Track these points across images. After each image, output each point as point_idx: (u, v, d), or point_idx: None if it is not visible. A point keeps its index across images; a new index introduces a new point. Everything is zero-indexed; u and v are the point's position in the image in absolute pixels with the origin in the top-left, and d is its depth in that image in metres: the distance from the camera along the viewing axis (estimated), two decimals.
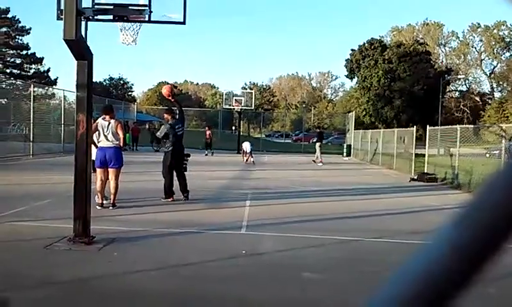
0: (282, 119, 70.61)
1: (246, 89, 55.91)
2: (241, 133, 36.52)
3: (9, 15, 50.04)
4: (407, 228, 8.05)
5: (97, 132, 8.55)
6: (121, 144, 8.83)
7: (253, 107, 35.85)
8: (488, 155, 19.45)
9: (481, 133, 21.84)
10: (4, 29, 49.70)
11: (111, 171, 8.68)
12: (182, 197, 9.90)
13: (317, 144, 24.22)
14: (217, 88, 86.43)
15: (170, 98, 10.34)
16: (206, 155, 26.53)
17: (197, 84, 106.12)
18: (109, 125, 8.66)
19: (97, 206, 8.34)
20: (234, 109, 33.45)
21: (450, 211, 10.19)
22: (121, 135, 8.76)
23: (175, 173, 9.96)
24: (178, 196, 9.92)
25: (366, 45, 57.75)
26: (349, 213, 9.17)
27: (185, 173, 10.17)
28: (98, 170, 8.58)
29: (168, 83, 76.81)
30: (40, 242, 6.01)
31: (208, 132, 28.07)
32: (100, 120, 8.73)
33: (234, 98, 32.93)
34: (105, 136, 8.61)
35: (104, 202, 8.72)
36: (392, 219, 8.99)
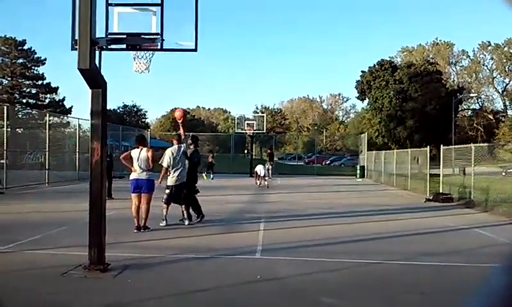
0: (294, 142, 70.61)
1: (258, 112, 56.22)
2: (253, 156, 36.55)
3: (25, 47, 51.28)
4: (424, 250, 7.94)
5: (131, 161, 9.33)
6: (151, 167, 9.38)
7: (265, 130, 35.95)
8: (504, 173, 19.20)
9: (496, 151, 21.61)
10: (20, 61, 50.89)
11: (143, 196, 9.15)
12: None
13: (268, 163, 25.53)
14: (229, 113, 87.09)
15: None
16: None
17: (209, 109, 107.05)
18: (140, 152, 9.24)
19: (134, 230, 8.93)
20: (246, 132, 33.55)
21: (467, 231, 10.04)
22: (151, 162, 9.29)
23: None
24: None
25: (376, 66, 57.91)
26: (365, 236, 9.07)
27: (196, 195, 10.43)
28: (132, 195, 9.24)
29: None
30: (57, 269, 6.03)
31: (210, 156, 28.93)
32: (133, 150, 9.47)
33: (246, 122, 33.09)
34: (138, 164, 9.16)
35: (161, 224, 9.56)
36: (409, 241, 8.87)
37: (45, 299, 5.06)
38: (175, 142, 10.09)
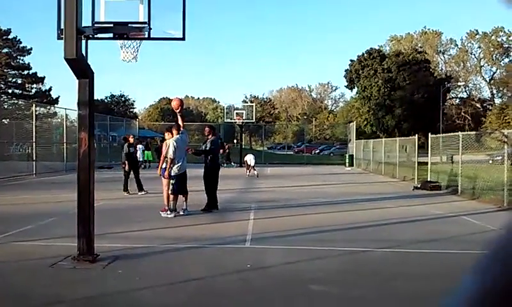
0: (284, 131, 70.70)
1: (247, 102, 56.03)
2: (243, 146, 36.55)
3: (10, 36, 50.48)
4: (413, 238, 8.02)
5: None
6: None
7: (254, 120, 35.91)
8: (490, 161, 19.39)
9: (483, 139, 21.81)
10: (5, 50, 50.10)
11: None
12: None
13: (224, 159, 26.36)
14: (218, 102, 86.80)
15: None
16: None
17: (198, 98, 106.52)
18: None
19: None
20: (236, 122, 33.48)
21: (455, 219, 10.16)
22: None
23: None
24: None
25: (365, 55, 57.90)
26: (354, 224, 9.14)
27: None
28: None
29: (169, 99, 77.22)
30: (45, 261, 5.99)
31: (226, 146, 29.78)
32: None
33: (235, 111, 32.99)
34: None
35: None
36: (398, 229, 8.95)
37: (33, 290, 5.03)
38: (174, 132, 9.98)
